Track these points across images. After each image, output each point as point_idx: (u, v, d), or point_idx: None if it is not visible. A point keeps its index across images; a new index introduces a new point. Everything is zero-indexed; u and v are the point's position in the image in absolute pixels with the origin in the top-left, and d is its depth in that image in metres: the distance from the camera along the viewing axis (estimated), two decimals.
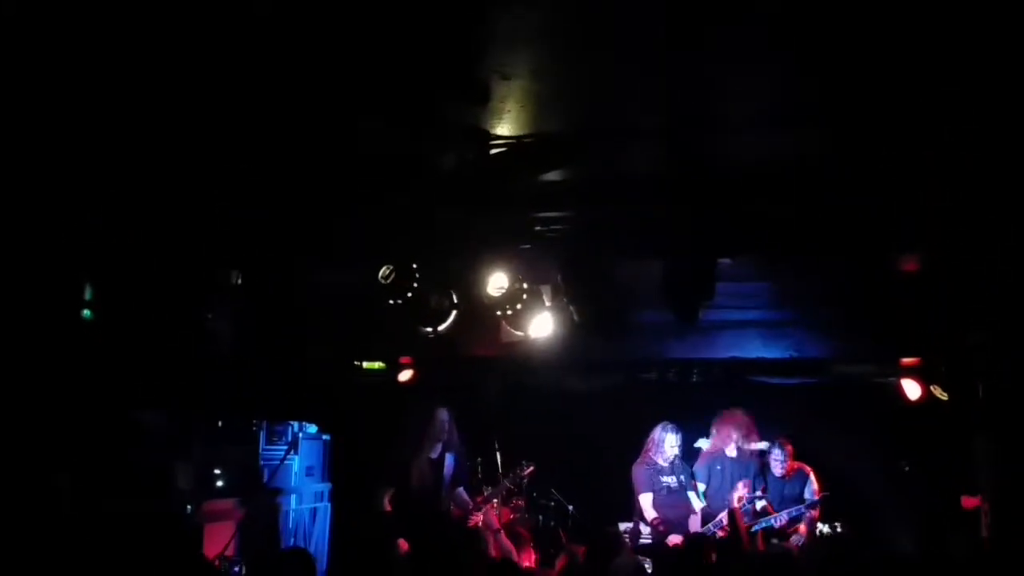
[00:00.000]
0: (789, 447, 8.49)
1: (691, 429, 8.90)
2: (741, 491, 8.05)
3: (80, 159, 5.22)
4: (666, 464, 8.47)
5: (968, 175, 5.36)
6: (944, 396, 8.35)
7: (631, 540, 8.25)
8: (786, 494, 8.37)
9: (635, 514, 8.58)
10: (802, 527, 8.18)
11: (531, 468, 8.74)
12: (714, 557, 6.53)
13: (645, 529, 8.44)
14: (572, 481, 9.57)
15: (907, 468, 8.48)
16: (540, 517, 9.43)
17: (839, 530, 7.90)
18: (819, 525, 8.08)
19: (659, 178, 5.73)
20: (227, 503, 7.51)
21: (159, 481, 6.62)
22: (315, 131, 5.09)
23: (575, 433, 9.66)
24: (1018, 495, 7.08)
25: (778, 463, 8.44)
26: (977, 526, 7.63)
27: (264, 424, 8.36)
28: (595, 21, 3.86)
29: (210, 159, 5.42)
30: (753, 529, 8.06)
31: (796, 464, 8.51)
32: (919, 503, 8.73)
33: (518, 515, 9.02)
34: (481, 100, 4.56)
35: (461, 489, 8.39)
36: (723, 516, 7.99)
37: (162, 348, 6.61)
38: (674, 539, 7.99)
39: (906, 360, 8.59)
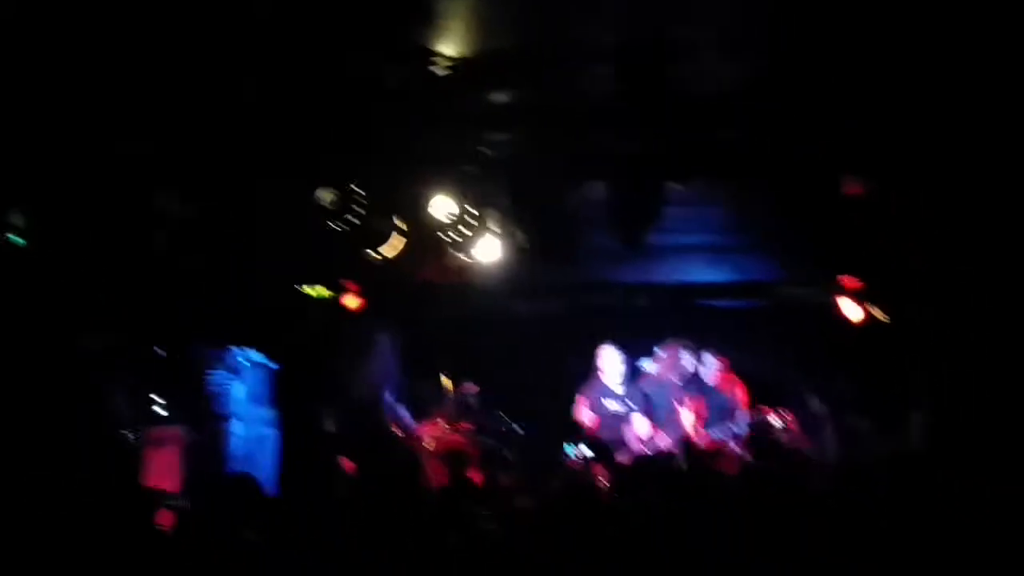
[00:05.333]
0: (723, 359, 8.55)
1: (637, 353, 8.96)
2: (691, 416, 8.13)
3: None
4: (615, 386, 8.44)
5: (913, 99, 5.37)
6: (884, 318, 8.48)
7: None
8: (719, 405, 8.42)
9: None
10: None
11: (475, 388, 8.76)
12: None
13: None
14: (519, 405, 9.62)
15: (842, 385, 8.64)
16: (487, 440, 9.48)
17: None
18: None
19: (608, 102, 5.65)
20: (170, 429, 7.44)
21: (97, 406, 6.54)
22: (256, 48, 4.94)
23: (522, 357, 9.68)
24: (955, 415, 7.29)
25: (710, 371, 8.49)
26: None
27: (207, 350, 8.26)
28: None
29: (146, 73, 5.23)
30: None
31: (729, 377, 8.59)
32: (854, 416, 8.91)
33: (466, 438, 9.07)
34: (424, 17, 4.44)
35: (403, 409, 8.37)
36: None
37: (100, 273, 6.48)
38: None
39: (848, 282, 8.69)
